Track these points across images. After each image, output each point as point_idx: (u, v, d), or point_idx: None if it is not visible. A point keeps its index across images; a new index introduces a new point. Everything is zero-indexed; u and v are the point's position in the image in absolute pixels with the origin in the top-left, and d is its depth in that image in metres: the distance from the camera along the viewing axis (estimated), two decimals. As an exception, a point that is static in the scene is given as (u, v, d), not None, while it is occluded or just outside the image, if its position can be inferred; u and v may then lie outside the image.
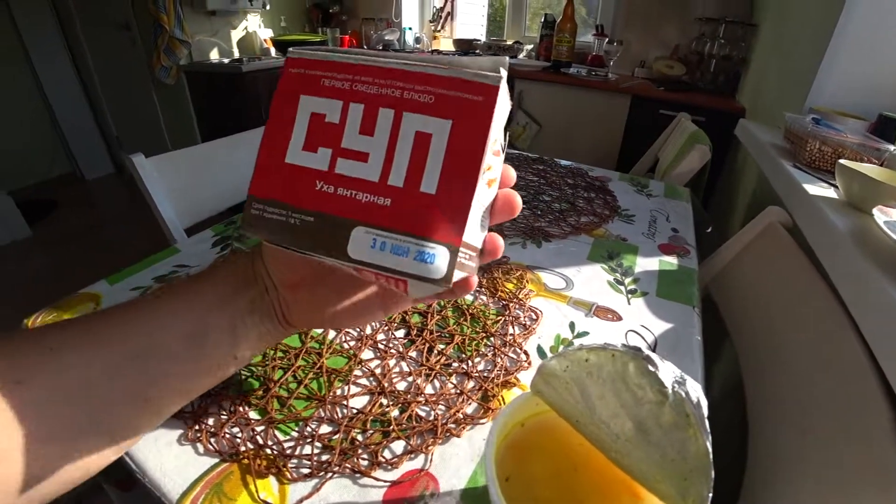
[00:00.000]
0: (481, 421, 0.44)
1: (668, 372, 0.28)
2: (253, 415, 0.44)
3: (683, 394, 0.27)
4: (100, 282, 0.70)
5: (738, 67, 2.01)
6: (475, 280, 0.25)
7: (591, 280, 0.69)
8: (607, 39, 2.21)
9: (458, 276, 0.20)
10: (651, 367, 0.28)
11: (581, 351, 0.30)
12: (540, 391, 0.32)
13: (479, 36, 3.02)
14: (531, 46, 2.61)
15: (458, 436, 0.43)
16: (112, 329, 0.26)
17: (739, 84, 2.02)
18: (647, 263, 0.75)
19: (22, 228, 2.44)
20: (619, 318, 0.61)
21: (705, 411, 0.26)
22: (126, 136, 3.05)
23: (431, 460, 0.41)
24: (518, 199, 0.25)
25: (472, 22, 3.03)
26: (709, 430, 0.25)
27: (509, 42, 2.66)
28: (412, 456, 0.41)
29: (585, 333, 0.58)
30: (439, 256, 0.19)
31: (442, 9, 2.69)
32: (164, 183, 0.96)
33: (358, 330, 0.55)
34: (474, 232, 0.22)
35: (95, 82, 2.91)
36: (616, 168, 1.93)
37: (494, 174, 0.24)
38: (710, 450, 0.25)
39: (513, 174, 0.26)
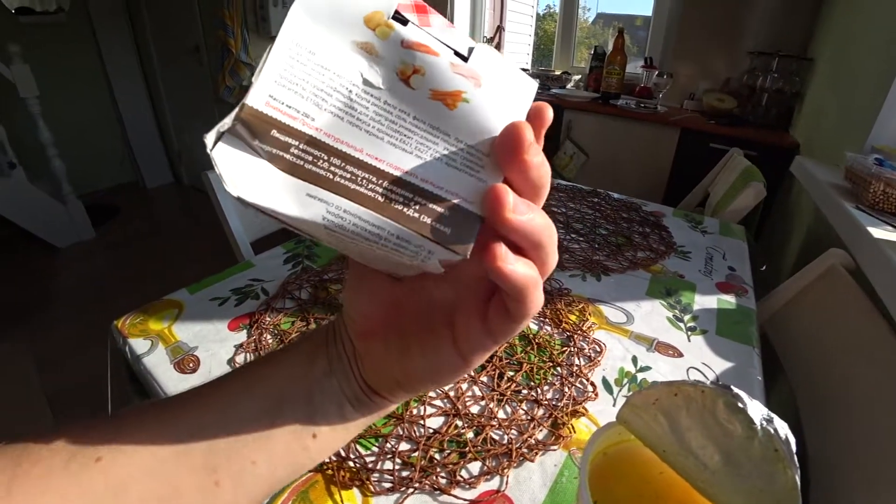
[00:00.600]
0: (552, 448, 0.46)
1: (756, 410, 0.30)
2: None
3: (772, 430, 0.29)
4: (181, 290, 0.76)
5: (791, 102, 1.99)
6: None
7: (651, 315, 0.70)
8: (657, 72, 2.22)
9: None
10: (740, 405, 0.30)
11: (670, 386, 0.32)
12: (627, 421, 0.34)
13: (525, 64, 3.09)
14: (579, 77, 2.65)
15: (532, 461, 0.45)
16: (185, 406, 0.25)
17: (793, 119, 1.99)
18: (705, 301, 0.75)
19: (87, 230, 2.62)
20: (680, 355, 0.62)
21: (794, 447, 0.28)
22: (186, 150, 3.24)
23: (507, 483, 0.43)
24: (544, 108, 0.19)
25: (519, 51, 3.11)
26: (797, 464, 0.27)
27: (557, 72, 2.71)
28: (488, 477, 0.43)
29: (648, 368, 0.59)
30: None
31: (492, 39, 2.77)
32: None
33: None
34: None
35: (163, 98, 3.13)
36: (663, 201, 1.92)
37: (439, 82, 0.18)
38: (798, 483, 0.27)
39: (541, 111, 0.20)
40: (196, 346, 0.60)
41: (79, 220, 2.56)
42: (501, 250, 0.17)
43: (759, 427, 0.29)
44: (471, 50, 0.19)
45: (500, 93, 0.18)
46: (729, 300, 0.76)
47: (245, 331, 0.64)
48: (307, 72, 0.17)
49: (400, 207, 0.17)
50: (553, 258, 0.20)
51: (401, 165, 0.18)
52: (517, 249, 0.18)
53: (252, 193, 0.16)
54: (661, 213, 1.10)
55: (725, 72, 2.24)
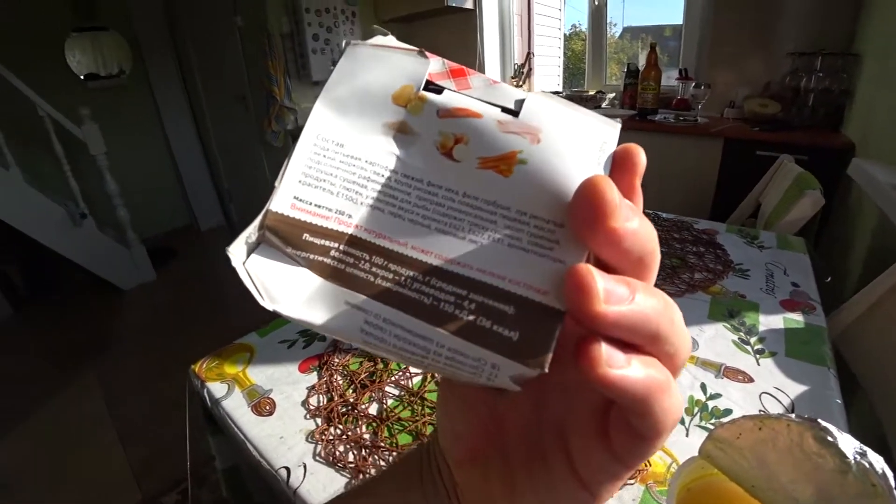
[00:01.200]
0: (630, 482, 0.46)
1: (847, 443, 0.30)
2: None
3: (867, 464, 0.28)
4: (251, 334, 0.80)
5: (840, 100, 1.90)
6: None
7: (716, 339, 0.68)
8: (693, 83, 2.19)
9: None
10: (830, 438, 0.30)
11: (752, 420, 0.32)
12: (710, 456, 0.34)
13: (556, 87, 3.11)
14: (613, 95, 2.65)
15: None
16: None
17: (844, 118, 1.90)
18: (770, 321, 0.73)
19: (149, 272, 2.79)
20: (751, 380, 0.60)
21: (892, 482, 0.27)
22: (235, 192, 3.43)
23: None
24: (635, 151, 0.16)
25: (548, 73, 3.14)
26: (896, 498, 0.26)
27: (591, 92, 2.71)
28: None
29: (718, 395, 0.58)
30: None
31: (523, 64, 2.81)
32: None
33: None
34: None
35: (213, 144, 3.34)
36: (711, 216, 1.87)
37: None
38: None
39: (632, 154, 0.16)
40: (270, 389, 0.64)
41: (141, 263, 2.74)
42: (600, 352, 0.12)
43: (852, 461, 0.29)
44: (520, 102, 0.16)
45: (567, 144, 0.15)
46: (796, 318, 0.73)
47: (315, 372, 0.67)
48: (335, 165, 0.16)
49: (450, 310, 0.14)
50: (685, 346, 0.14)
51: (451, 255, 0.15)
52: (628, 344, 0.13)
53: (289, 306, 0.15)
54: (713, 231, 1.07)
55: (765, 76, 2.18)
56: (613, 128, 0.16)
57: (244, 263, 0.15)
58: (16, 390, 1.92)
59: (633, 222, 0.13)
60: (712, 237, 1.04)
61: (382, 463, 0.48)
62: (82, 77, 2.82)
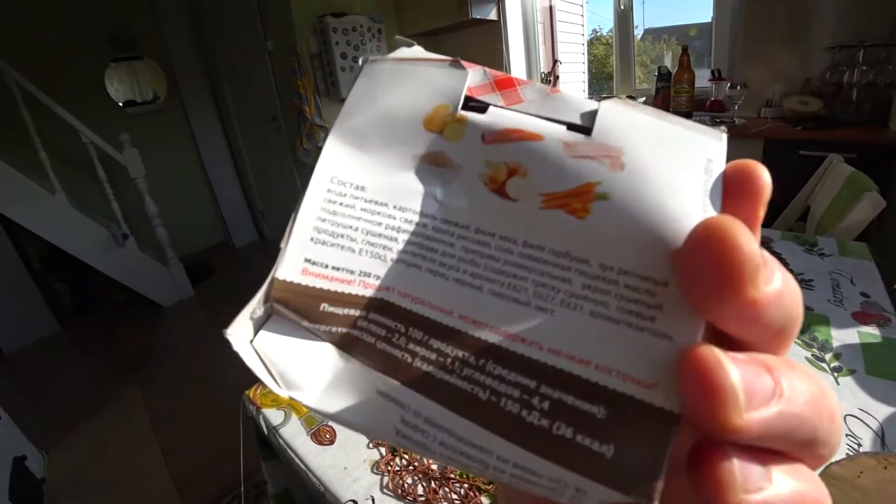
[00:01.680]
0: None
1: None
2: (485, 500, 0.47)
3: None
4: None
5: (887, 93, 1.82)
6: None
7: (788, 356, 0.65)
8: (728, 84, 2.13)
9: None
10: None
11: (875, 458, 0.29)
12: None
13: (581, 92, 3.08)
14: (643, 99, 2.60)
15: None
16: None
17: (892, 111, 1.81)
18: (843, 336, 0.69)
19: (187, 289, 2.86)
20: (832, 401, 0.57)
21: None
22: (268, 209, 3.50)
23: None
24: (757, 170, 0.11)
25: (573, 80, 3.11)
26: None
27: (623, 97, 2.67)
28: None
29: (799, 418, 0.54)
30: None
31: (550, 72, 2.80)
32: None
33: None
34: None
35: (246, 164, 3.42)
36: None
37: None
38: None
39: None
40: (329, 414, 0.63)
41: (180, 280, 2.81)
42: (734, 473, 0.09)
43: None
44: (591, 115, 0.12)
45: (661, 168, 0.11)
46: (871, 332, 0.69)
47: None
48: (356, 215, 0.13)
49: (514, 409, 0.10)
50: (836, 440, 0.10)
51: (513, 329, 0.11)
52: (763, 450, 0.10)
53: (310, 393, 0.12)
54: (769, 239, 1.03)
55: (802, 72, 2.10)
56: (719, 140, 0.12)
57: (251, 342, 0.12)
58: (63, 405, 1.98)
59: (775, 283, 0.09)
60: (768, 245, 0.99)
61: (454, 495, 0.47)
62: (121, 104, 2.93)
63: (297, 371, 0.12)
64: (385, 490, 0.49)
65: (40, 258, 2.64)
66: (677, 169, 0.11)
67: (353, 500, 0.48)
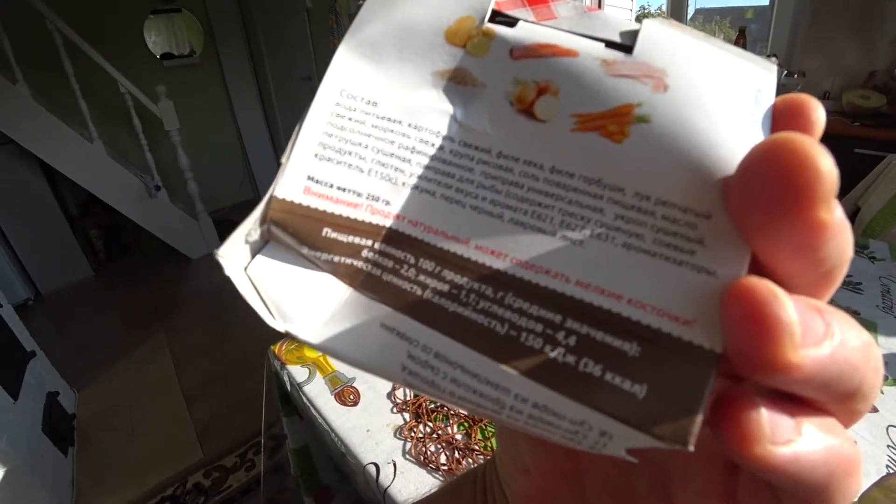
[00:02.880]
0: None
1: None
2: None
3: None
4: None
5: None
6: None
7: (832, 361, 0.62)
8: (785, 72, 2.01)
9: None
10: None
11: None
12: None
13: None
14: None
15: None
16: None
17: (961, 115, 1.69)
18: (891, 344, 0.66)
19: (215, 243, 2.89)
20: (875, 410, 0.54)
21: None
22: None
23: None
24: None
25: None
26: None
27: (668, 18, 2.56)
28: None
29: (840, 426, 0.52)
30: None
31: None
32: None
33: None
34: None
35: (278, 122, 3.43)
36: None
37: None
38: None
39: None
40: (353, 377, 0.64)
41: (208, 234, 2.87)
42: (762, 423, 0.08)
43: None
44: (632, 34, 0.11)
45: (708, 92, 0.10)
46: (921, 343, 0.65)
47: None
48: (366, 132, 0.12)
49: (537, 345, 0.09)
50: (875, 395, 0.09)
51: (537, 261, 0.10)
52: (799, 400, 0.09)
53: (308, 328, 0.11)
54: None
55: (866, 64, 1.97)
56: (770, 71, 0.10)
57: (246, 269, 0.11)
58: (94, 347, 2.07)
59: (838, 211, 0.08)
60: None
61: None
62: (158, 56, 2.94)
63: (294, 303, 0.11)
64: (407, 456, 0.49)
65: (77, 205, 2.72)
66: (725, 96, 0.10)
67: (375, 464, 0.49)
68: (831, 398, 0.09)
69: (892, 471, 0.46)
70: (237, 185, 3.59)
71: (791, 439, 0.08)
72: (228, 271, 0.11)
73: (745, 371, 0.08)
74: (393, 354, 0.10)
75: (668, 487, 0.12)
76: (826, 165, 0.08)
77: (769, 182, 0.08)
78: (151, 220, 2.59)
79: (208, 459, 1.47)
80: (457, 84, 0.12)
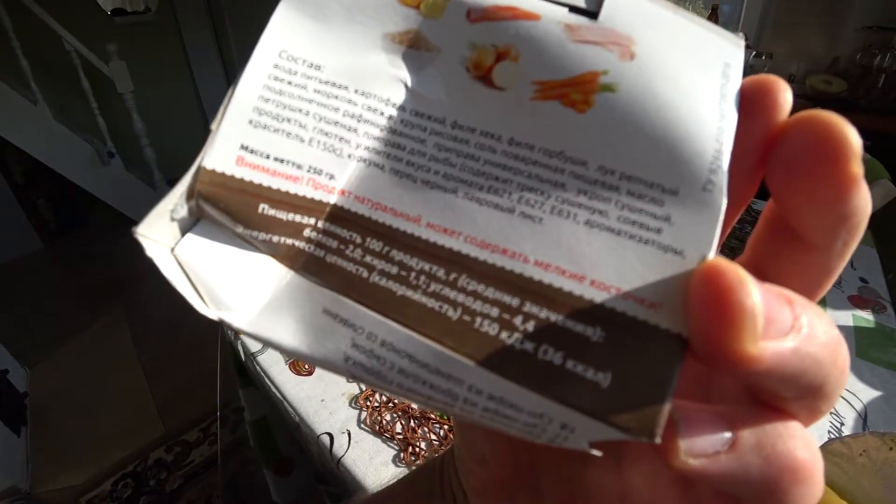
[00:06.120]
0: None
1: None
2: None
3: None
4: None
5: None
6: None
7: (782, 332, 0.64)
8: (754, 53, 2.04)
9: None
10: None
11: (881, 438, 0.28)
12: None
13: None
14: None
15: None
16: None
17: (915, 103, 1.76)
18: (838, 317, 0.68)
19: (175, 216, 2.81)
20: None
21: None
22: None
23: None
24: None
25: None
26: None
27: None
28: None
29: (787, 393, 0.54)
30: None
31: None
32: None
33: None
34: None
35: (240, 90, 3.29)
36: (762, 194, 1.78)
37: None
38: None
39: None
40: (310, 347, 0.62)
41: (166, 204, 2.76)
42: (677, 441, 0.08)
43: None
44: (599, 0, 0.10)
45: (676, 62, 0.09)
46: (865, 317, 0.68)
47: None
48: (308, 97, 0.10)
49: (492, 330, 0.09)
50: (838, 395, 0.09)
51: (493, 240, 0.09)
52: (768, 395, 0.09)
53: (244, 315, 0.10)
54: (774, 214, 1.00)
55: (831, 50, 2.02)
56: (738, 46, 0.10)
57: (173, 250, 0.10)
58: (46, 322, 1.97)
59: (862, 169, 0.09)
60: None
61: (433, 436, 0.46)
62: (109, 12, 2.74)
63: (228, 288, 0.10)
64: (362, 425, 0.48)
65: (23, 173, 2.54)
66: (694, 68, 0.09)
67: (329, 433, 0.47)
68: (792, 394, 0.09)
69: (833, 436, 0.48)
70: (197, 153, 3.44)
71: (742, 456, 0.08)
72: (150, 252, 0.10)
73: (703, 359, 0.08)
74: (335, 343, 0.09)
75: (621, 469, 0.12)
76: (853, 131, 0.08)
77: (811, 145, 0.08)
78: (105, 188, 2.46)
79: (170, 434, 1.43)
80: (409, 48, 0.11)
